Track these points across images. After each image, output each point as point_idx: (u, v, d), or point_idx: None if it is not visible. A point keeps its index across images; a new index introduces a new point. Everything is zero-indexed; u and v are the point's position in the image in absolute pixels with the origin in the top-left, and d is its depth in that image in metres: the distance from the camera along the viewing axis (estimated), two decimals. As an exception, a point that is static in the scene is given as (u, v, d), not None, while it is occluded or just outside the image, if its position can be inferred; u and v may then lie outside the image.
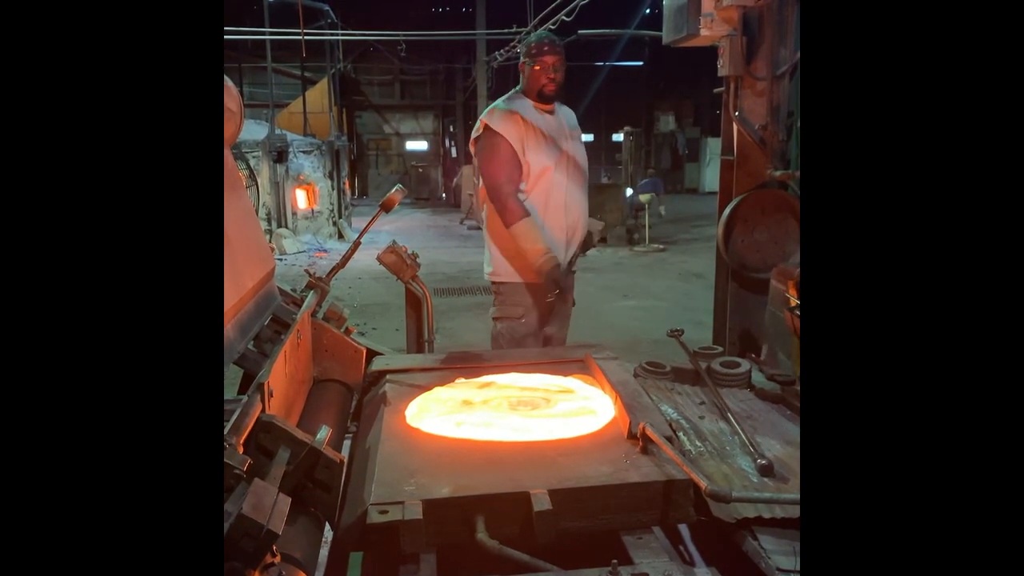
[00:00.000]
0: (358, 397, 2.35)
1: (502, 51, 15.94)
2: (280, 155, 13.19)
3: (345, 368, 2.39)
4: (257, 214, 10.88)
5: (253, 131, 13.15)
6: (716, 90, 4.16)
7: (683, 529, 1.68)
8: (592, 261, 11.49)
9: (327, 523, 1.56)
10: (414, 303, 3.11)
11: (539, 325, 3.32)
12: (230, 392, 1.98)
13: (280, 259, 11.50)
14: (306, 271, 2.76)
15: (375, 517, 1.42)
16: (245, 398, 1.53)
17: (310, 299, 2.43)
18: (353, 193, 17.02)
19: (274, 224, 13.27)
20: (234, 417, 1.40)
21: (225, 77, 2.02)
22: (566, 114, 3.42)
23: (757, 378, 2.26)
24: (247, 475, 1.23)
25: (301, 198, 13.76)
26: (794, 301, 2.58)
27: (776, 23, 3.67)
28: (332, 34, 16.34)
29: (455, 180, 19.11)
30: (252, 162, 12.99)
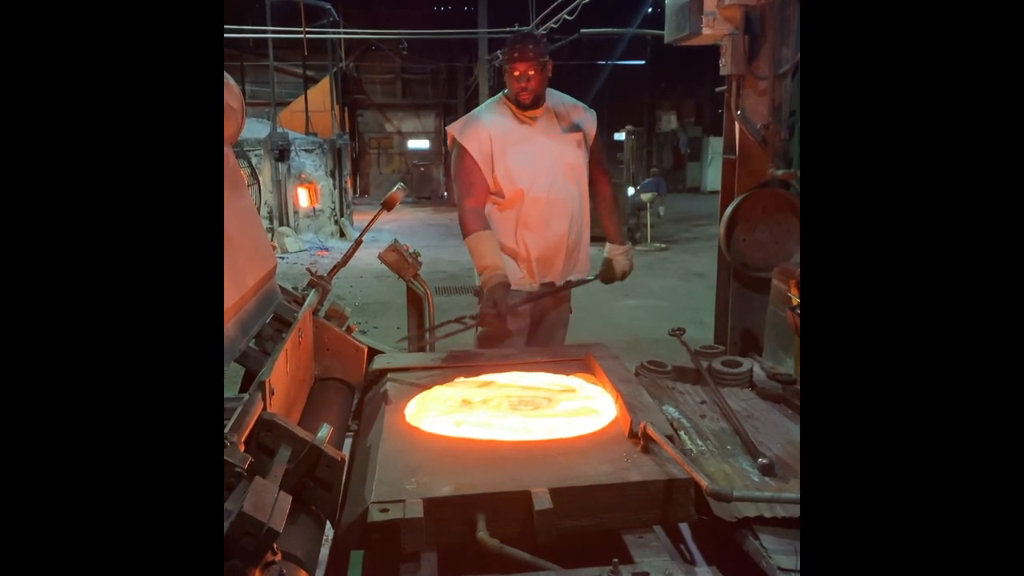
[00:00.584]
0: (359, 396, 2.35)
1: (503, 50, 15.92)
2: (282, 153, 13.20)
3: (346, 367, 2.39)
4: (259, 212, 10.88)
5: (255, 129, 13.17)
6: (718, 89, 4.16)
7: (684, 528, 1.68)
8: (593, 261, 11.47)
9: (328, 521, 1.56)
10: (415, 302, 3.11)
11: (527, 332, 3.16)
12: (231, 390, 1.99)
13: (282, 257, 11.51)
14: (307, 269, 2.76)
15: (376, 515, 1.42)
16: (246, 396, 1.53)
17: (311, 297, 2.43)
18: (355, 192, 17.01)
19: (276, 222, 13.28)
20: (235, 415, 1.40)
21: (227, 75, 2.03)
22: (563, 112, 3.10)
23: (758, 377, 2.26)
24: (248, 473, 1.23)
25: (303, 197, 13.78)
26: (796, 300, 2.58)
27: (778, 22, 3.67)
28: (334, 33, 16.34)
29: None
30: (254, 160, 13.00)
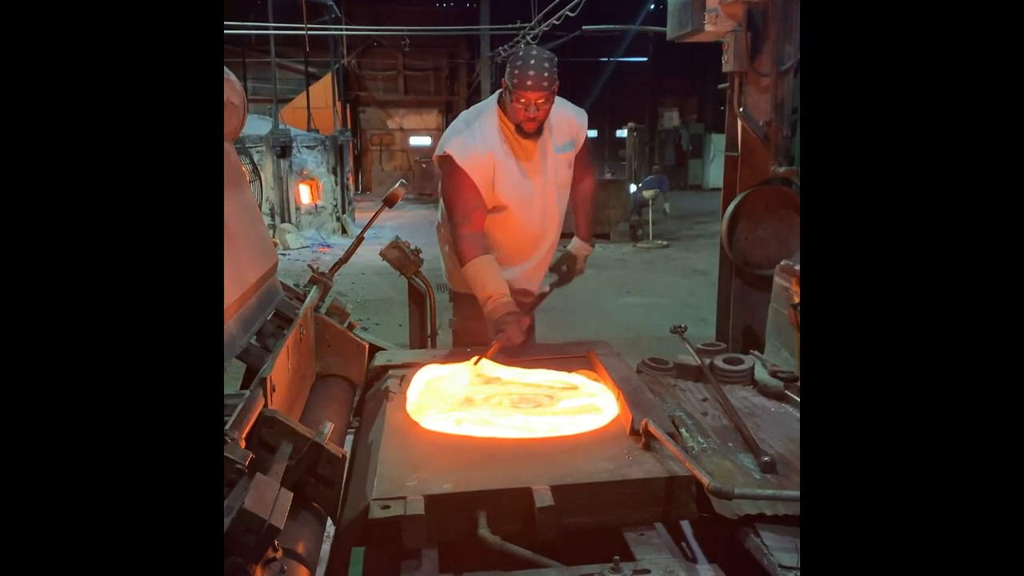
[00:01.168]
0: (360, 392, 2.36)
1: (506, 46, 15.91)
2: (284, 150, 13.19)
3: (348, 363, 2.39)
4: (260, 209, 10.87)
5: (257, 126, 13.16)
6: (720, 86, 4.15)
7: (685, 525, 1.68)
8: (596, 258, 11.45)
9: (329, 518, 1.56)
10: (417, 298, 3.11)
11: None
12: (233, 387, 1.99)
13: (283, 254, 11.51)
14: (309, 266, 2.76)
15: (377, 512, 1.42)
16: (247, 393, 1.53)
17: (313, 294, 2.43)
18: (356, 188, 17.01)
19: (277, 219, 13.28)
20: (236, 412, 1.40)
21: (229, 71, 2.02)
22: (557, 125, 2.74)
23: (760, 375, 2.26)
24: (249, 470, 1.23)
25: (304, 193, 13.77)
26: (797, 298, 2.58)
27: (780, 19, 3.67)
28: (336, 29, 16.32)
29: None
30: (256, 157, 12.99)
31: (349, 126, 20.53)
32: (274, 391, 1.62)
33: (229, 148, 2.19)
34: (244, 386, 2.13)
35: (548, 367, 2.27)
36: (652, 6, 13.93)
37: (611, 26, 13.20)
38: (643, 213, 13.24)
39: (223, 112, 1.12)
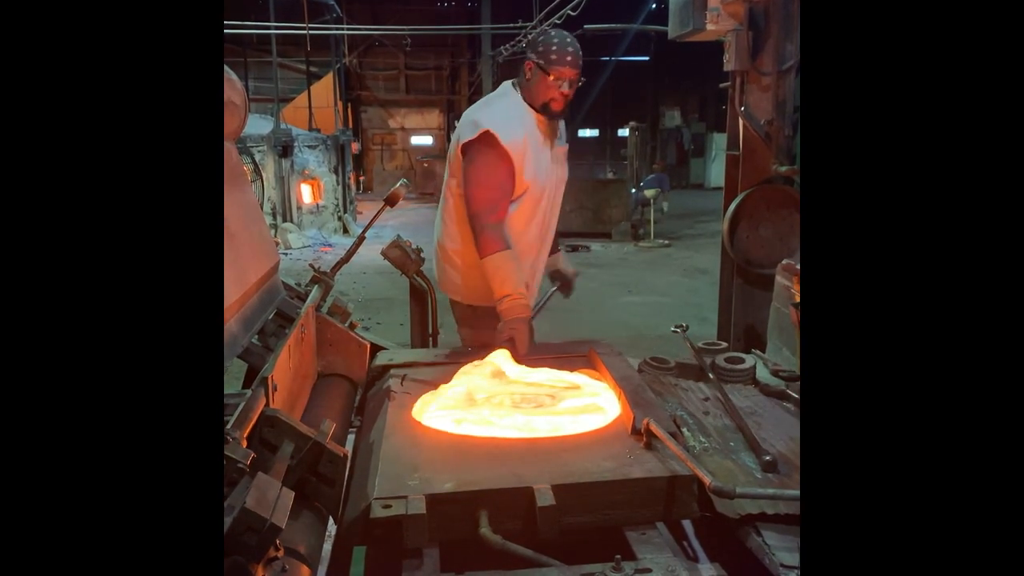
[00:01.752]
0: (362, 392, 2.36)
1: (507, 46, 15.91)
2: (285, 149, 13.19)
3: (349, 362, 2.39)
4: (262, 208, 10.88)
5: (258, 125, 13.16)
6: (722, 85, 4.14)
7: (687, 525, 1.68)
8: (597, 257, 11.49)
9: (331, 517, 1.56)
10: (418, 298, 3.11)
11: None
12: (234, 386, 1.99)
13: (285, 253, 11.52)
14: (311, 265, 2.76)
15: (378, 511, 1.42)
16: (249, 392, 1.53)
17: (314, 293, 2.43)
18: (358, 188, 17.03)
19: (279, 218, 13.28)
20: (238, 411, 1.40)
21: (230, 71, 2.03)
22: (560, 128, 2.77)
23: (761, 374, 2.26)
24: (250, 469, 1.23)
25: (306, 193, 13.77)
26: (799, 297, 2.57)
27: (782, 18, 3.66)
28: (337, 29, 16.33)
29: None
30: (257, 156, 12.99)
31: (351, 125, 20.53)
32: (275, 390, 1.62)
33: (231, 148, 2.19)
34: (246, 385, 2.14)
35: (549, 366, 2.27)
36: (653, 5, 13.92)
37: (612, 25, 13.19)
38: (644, 212, 13.24)
39: (223, 111, 1.12)
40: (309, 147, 13.91)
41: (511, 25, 15.09)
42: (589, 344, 2.39)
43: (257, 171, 12.95)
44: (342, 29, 16.61)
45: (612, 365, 2.15)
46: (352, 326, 2.57)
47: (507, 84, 2.71)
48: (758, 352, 2.56)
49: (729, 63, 3.89)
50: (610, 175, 15.41)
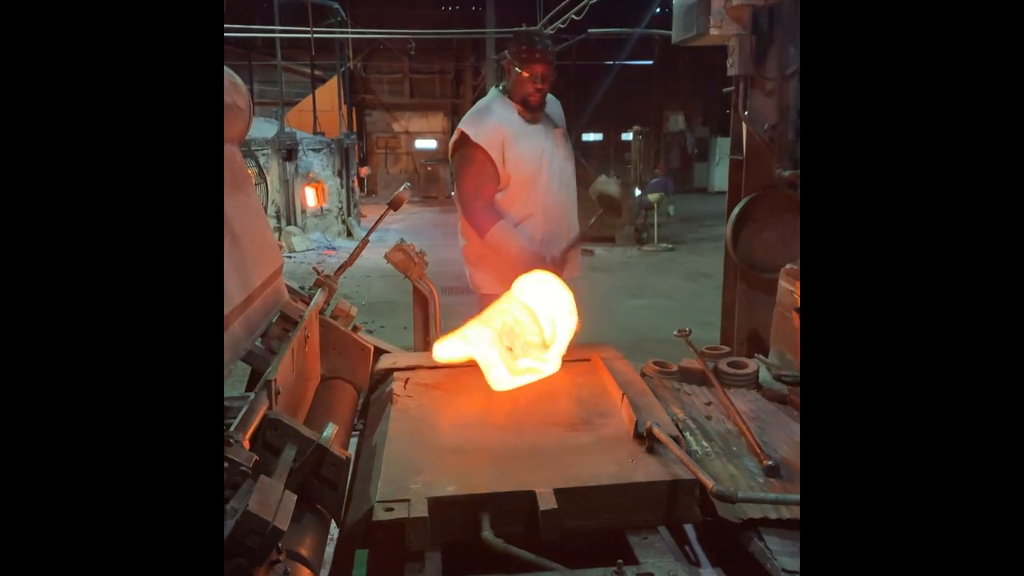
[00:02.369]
0: (365, 395, 2.36)
1: (514, 48, 15.90)
2: (289, 153, 13.21)
3: (352, 366, 2.39)
4: (266, 212, 10.91)
5: (263, 129, 13.19)
6: (725, 89, 4.13)
7: (689, 529, 1.68)
8: (600, 261, 11.48)
9: (333, 520, 1.56)
10: (421, 301, 3.11)
11: None
12: (238, 389, 1.99)
13: (289, 257, 11.53)
14: (314, 269, 2.76)
15: (381, 515, 1.42)
16: (252, 395, 1.53)
17: (318, 297, 2.44)
18: (362, 191, 17.05)
19: (283, 222, 13.30)
20: (241, 414, 1.40)
21: (235, 75, 2.03)
22: (552, 112, 3.18)
23: (764, 378, 2.26)
24: (253, 472, 1.23)
25: (310, 196, 13.79)
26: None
27: (786, 22, 3.66)
28: (342, 32, 16.36)
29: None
30: (262, 160, 13.02)
31: (355, 129, 20.56)
32: (279, 393, 1.62)
33: (235, 151, 2.20)
34: (249, 388, 2.14)
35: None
36: (657, 9, 13.93)
37: (616, 29, 13.21)
38: (648, 216, 13.22)
39: (223, 114, 1.12)
40: (313, 150, 13.93)
41: (515, 29, 15.09)
42: (592, 348, 2.39)
43: (261, 174, 12.97)
44: (347, 33, 16.64)
45: (615, 369, 2.15)
46: (355, 329, 2.57)
47: (493, 88, 3.15)
48: (761, 356, 2.56)
49: (733, 67, 3.88)
50: (614, 179, 15.39)
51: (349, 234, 14.25)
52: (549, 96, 3.13)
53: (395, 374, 2.25)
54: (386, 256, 2.96)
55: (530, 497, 1.47)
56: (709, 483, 1.45)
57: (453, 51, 23.51)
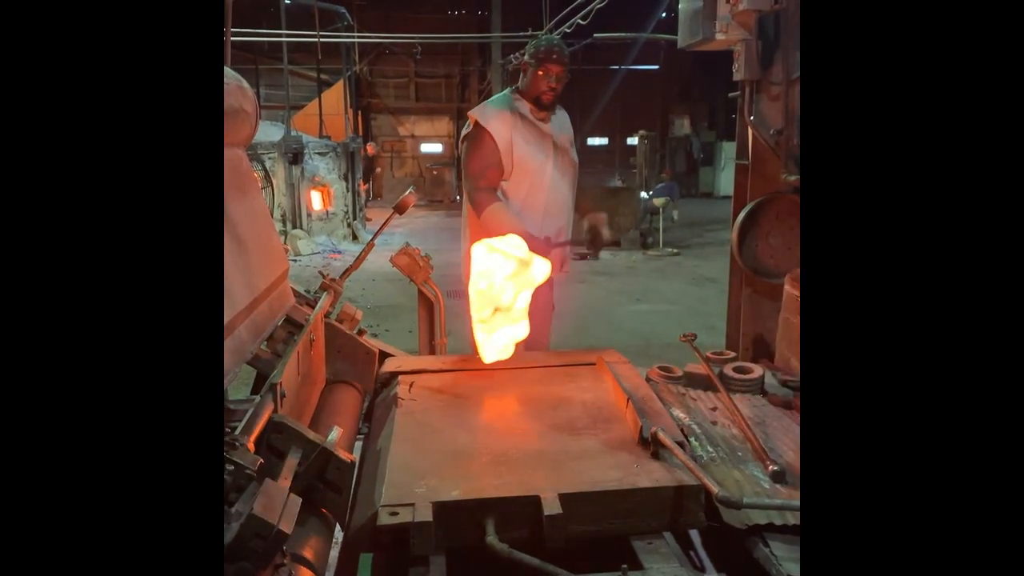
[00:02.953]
0: (370, 398, 2.36)
1: (517, 54, 15.95)
2: (295, 157, 13.24)
3: (357, 369, 2.39)
4: (272, 215, 10.93)
5: (269, 132, 13.23)
6: (731, 94, 4.14)
7: (694, 535, 1.67)
8: (605, 265, 11.47)
9: (337, 524, 1.56)
10: (427, 305, 3.12)
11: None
12: (243, 392, 2.00)
13: (294, 260, 11.55)
14: (320, 272, 2.77)
15: (385, 519, 1.42)
16: (257, 398, 1.53)
17: (323, 300, 2.44)
18: (368, 195, 17.07)
19: (289, 225, 13.32)
20: (246, 417, 1.41)
21: (241, 79, 2.04)
22: (561, 120, 3.35)
23: (770, 384, 2.25)
24: (258, 475, 1.23)
25: (316, 199, 13.81)
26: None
27: (792, 28, 3.65)
28: (348, 36, 16.41)
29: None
30: (268, 163, 13.05)
31: (360, 133, 20.60)
32: (284, 397, 1.62)
33: (241, 155, 2.20)
34: (254, 392, 2.14)
35: (555, 374, 2.27)
36: (663, 14, 13.93)
37: (622, 34, 13.23)
38: (653, 220, 13.22)
39: (223, 117, 1.12)
40: (319, 154, 13.96)
41: (521, 34, 15.13)
42: (597, 353, 2.39)
43: (268, 178, 13.00)
44: (353, 37, 16.69)
45: (620, 374, 2.15)
46: (360, 333, 2.58)
47: (511, 87, 3.30)
48: (766, 362, 2.55)
49: (739, 72, 3.88)
50: (619, 183, 15.37)
51: (355, 238, 14.27)
52: (562, 109, 3.34)
53: (400, 378, 2.25)
54: (391, 260, 2.97)
55: (535, 502, 1.47)
56: (714, 489, 1.44)
57: (459, 55, 23.56)
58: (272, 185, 13.09)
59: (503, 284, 2.28)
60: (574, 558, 1.41)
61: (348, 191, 14.52)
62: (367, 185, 17.39)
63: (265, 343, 2.02)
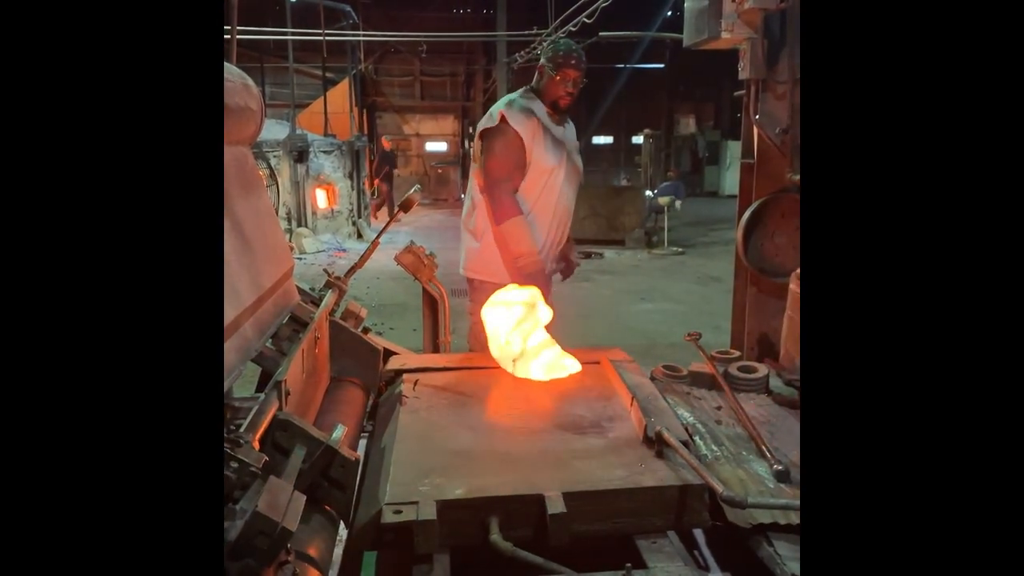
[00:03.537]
0: (374, 396, 2.36)
1: (522, 53, 15.95)
2: (301, 155, 13.25)
3: (362, 367, 2.39)
4: (277, 213, 10.94)
5: (274, 131, 13.23)
6: (737, 93, 4.13)
7: (698, 534, 1.67)
8: (610, 264, 11.47)
9: (342, 522, 1.56)
10: (431, 303, 3.12)
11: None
12: (248, 390, 2.00)
13: (299, 258, 11.56)
14: (325, 270, 2.77)
15: (389, 517, 1.42)
16: (262, 396, 1.53)
17: (328, 298, 2.44)
18: (372, 193, 17.05)
19: (294, 223, 13.33)
20: (251, 415, 1.41)
21: (247, 77, 2.04)
22: (569, 126, 3.39)
23: (774, 383, 2.25)
24: (263, 472, 1.24)
25: (321, 198, 13.82)
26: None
27: (798, 26, 3.64)
28: (353, 35, 16.41)
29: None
30: (273, 162, 13.06)
31: (366, 131, 20.62)
32: (288, 394, 1.63)
33: (246, 153, 2.21)
34: (259, 389, 2.14)
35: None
36: (669, 13, 13.91)
37: (628, 33, 13.20)
38: (658, 220, 13.20)
39: (223, 116, 1.12)
40: (324, 152, 13.97)
41: (526, 32, 15.11)
42: (602, 352, 2.39)
43: (273, 176, 13.01)
44: (358, 35, 16.68)
45: (625, 373, 2.15)
46: (365, 331, 2.58)
47: (525, 88, 3.30)
48: (771, 361, 2.55)
49: (744, 71, 3.87)
50: (624, 182, 15.36)
51: (359, 236, 14.28)
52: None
53: (404, 376, 2.26)
54: (396, 258, 2.97)
55: (539, 500, 1.47)
56: (718, 488, 1.44)
57: (464, 54, 23.54)
58: (277, 183, 13.10)
59: (510, 336, 2.25)
60: (578, 557, 1.42)
61: (353, 189, 14.53)
62: (387, 186, 17.04)
63: (270, 341, 2.02)
